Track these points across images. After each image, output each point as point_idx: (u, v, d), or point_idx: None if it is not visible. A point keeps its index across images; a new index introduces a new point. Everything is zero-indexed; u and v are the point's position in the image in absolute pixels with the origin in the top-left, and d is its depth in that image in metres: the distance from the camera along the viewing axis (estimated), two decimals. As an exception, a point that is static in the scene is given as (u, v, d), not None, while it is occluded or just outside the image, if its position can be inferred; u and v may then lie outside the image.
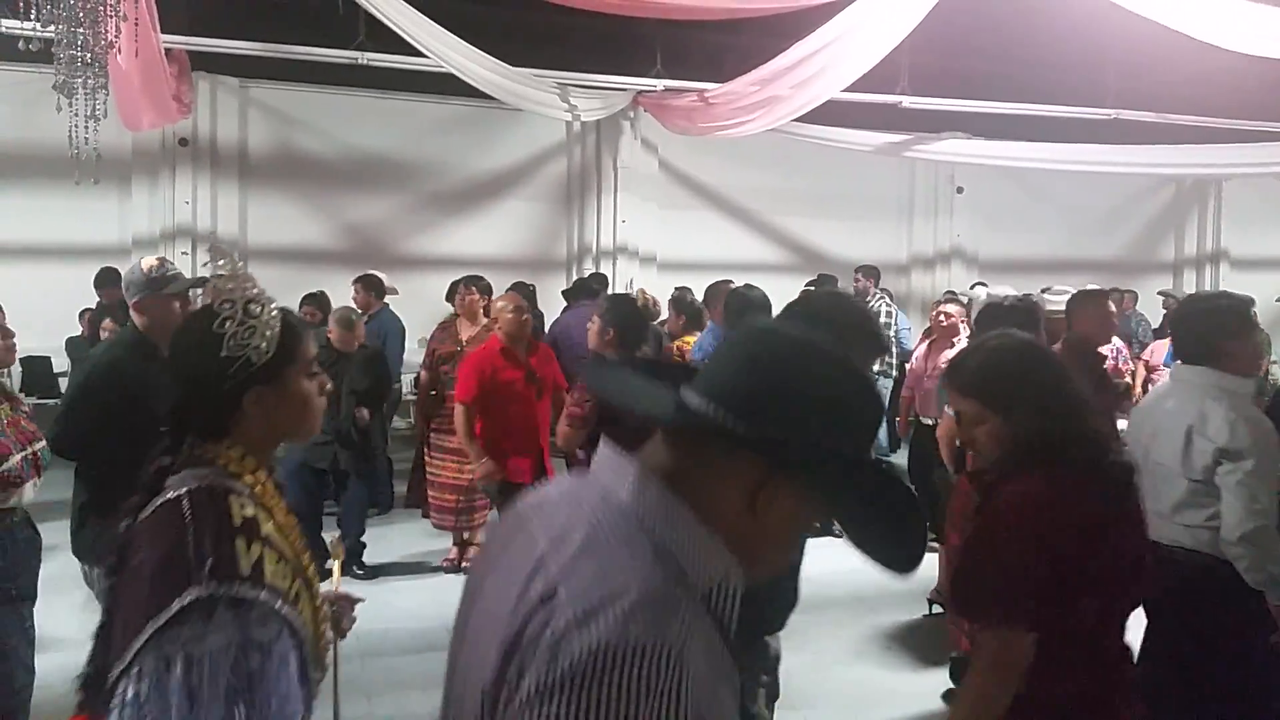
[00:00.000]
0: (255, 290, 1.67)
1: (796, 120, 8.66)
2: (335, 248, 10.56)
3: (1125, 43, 8.25)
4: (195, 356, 1.64)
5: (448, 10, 7.41)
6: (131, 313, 3.45)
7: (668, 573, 1.02)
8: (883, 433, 8.20)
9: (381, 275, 7.89)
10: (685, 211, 11.85)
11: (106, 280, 8.00)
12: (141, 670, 1.42)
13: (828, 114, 8.75)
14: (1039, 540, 1.95)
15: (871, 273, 9.19)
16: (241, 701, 1.43)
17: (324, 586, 1.80)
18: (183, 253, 10.11)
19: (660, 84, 9.24)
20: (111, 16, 4.25)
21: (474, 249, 10.52)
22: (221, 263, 1.69)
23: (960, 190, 12.76)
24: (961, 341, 6.54)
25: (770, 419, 1.07)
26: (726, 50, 9.53)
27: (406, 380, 8.61)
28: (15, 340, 3.09)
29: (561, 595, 1.00)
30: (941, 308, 6.72)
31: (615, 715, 0.92)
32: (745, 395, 1.09)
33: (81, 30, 4.12)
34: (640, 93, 9.43)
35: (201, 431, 1.64)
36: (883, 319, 8.35)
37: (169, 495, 1.54)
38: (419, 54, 7.69)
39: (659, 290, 8.52)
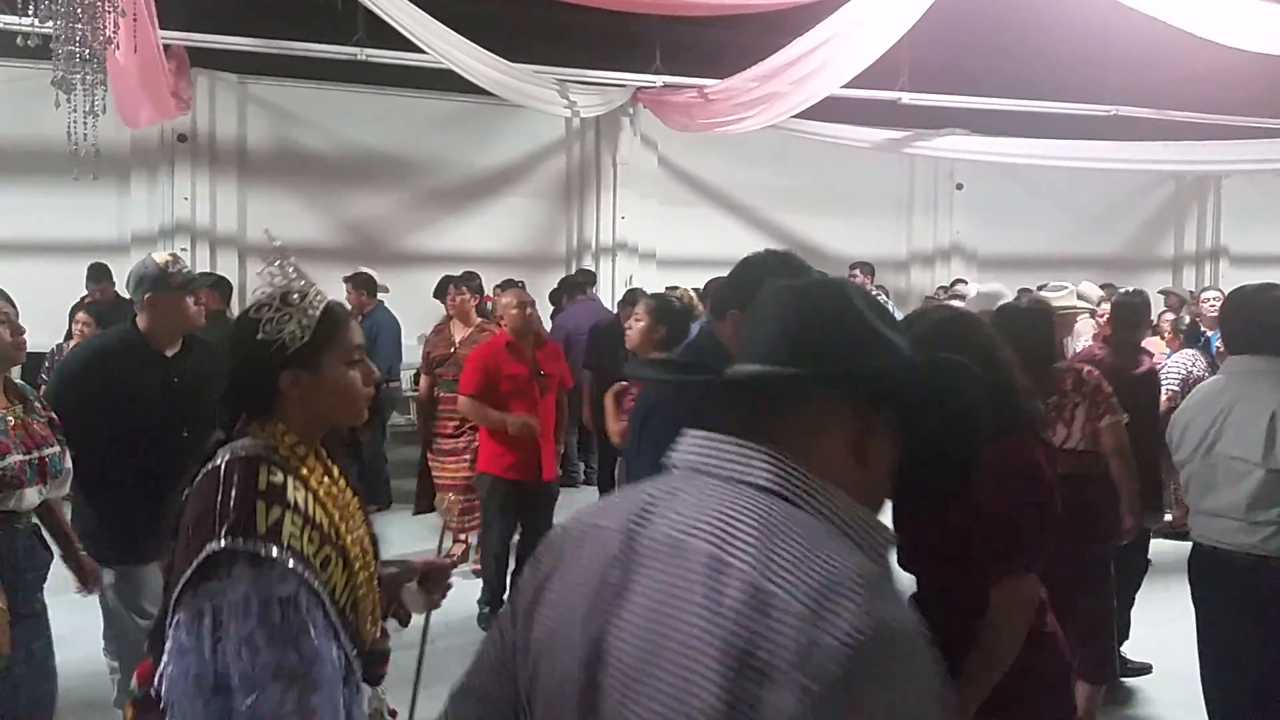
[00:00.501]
0: (301, 283, 1.80)
1: (796, 117, 8.66)
2: (335, 244, 10.54)
3: (1125, 39, 8.24)
4: (236, 339, 1.80)
5: (447, 6, 7.40)
6: (138, 306, 3.41)
7: (855, 548, 1.00)
8: None
9: (373, 273, 7.88)
10: (685, 208, 11.84)
11: (100, 276, 7.96)
12: (180, 620, 1.57)
13: (827, 110, 8.74)
14: (1022, 492, 2.16)
15: (868, 269, 9.18)
16: (268, 651, 1.52)
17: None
18: (182, 249, 10.09)
19: (660, 80, 9.23)
20: (110, 12, 4.25)
21: (473, 245, 10.51)
22: (278, 263, 1.82)
23: (960, 187, 12.75)
24: None
25: (834, 355, 1.08)
26: (726, 46, 9.51)
27: (406, 377, 8.61)
28: (25, 337, 3.06)
29: (780, 595, 0.91)
30: (941, 302, 6.74)
31: (898, 707, 0.87)
32: (801, 344, 1.10)
33: (80, 26, 4.12)
34: (640, 89, 9.42)
35: (250, 411, 1.78)
36: None
37: (210, 465, 1.69)
38: (418, 50, 7.68)
39: (654, 287, 8.52)
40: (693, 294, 5.86)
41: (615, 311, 7.83)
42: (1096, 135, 9.47)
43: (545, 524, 4.87)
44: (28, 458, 2.90)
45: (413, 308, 8.33)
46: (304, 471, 1.73)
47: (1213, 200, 14.02)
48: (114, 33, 4.41)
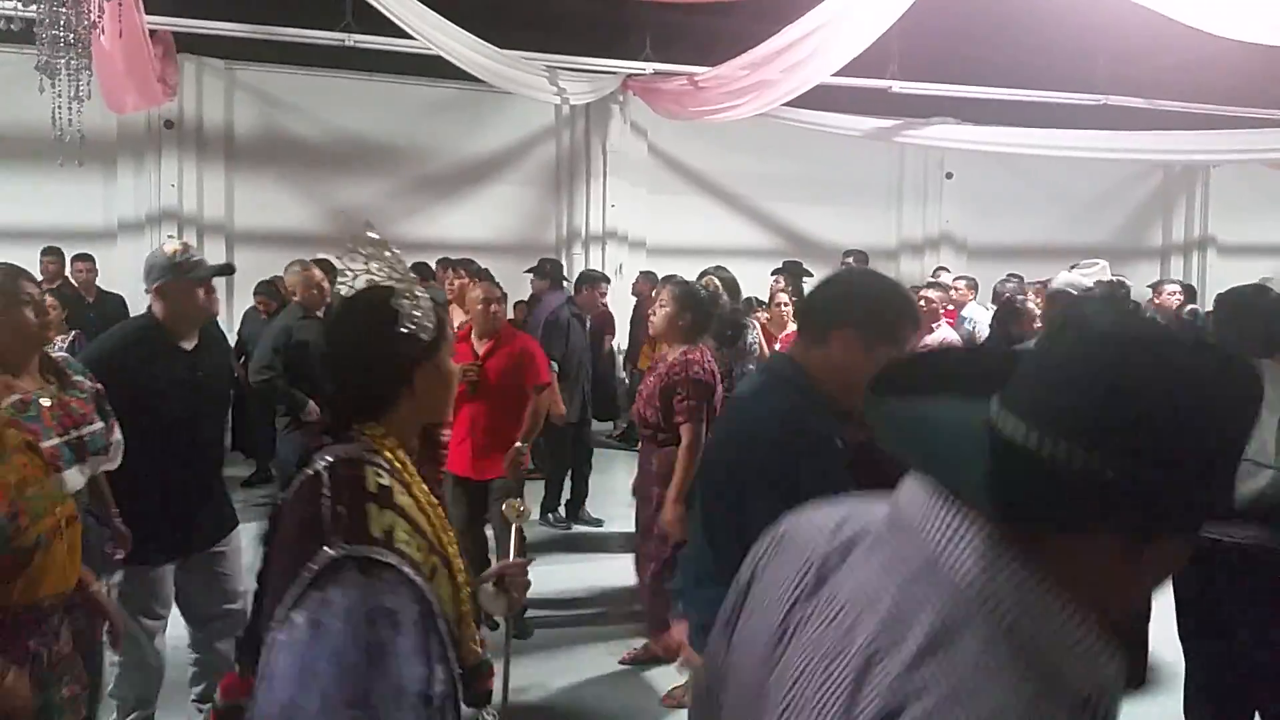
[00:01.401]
0: (405, 268, 1.73)
1: (786, 105, 8.64)
2: (322, 231, 10.49)
3: (1115, 29, 8.23)
4: (372, 336, 1.66)
5: (435, -8, 7.35)
6: (150, 297, 3.37)
7: (1037, 684, 0.82)
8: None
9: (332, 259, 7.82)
10: (675, 196, 11.83)
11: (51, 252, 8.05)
12: (280, 639, 1.45)
13: (817, 98, 8.73)
14: None
15: (861, 258, 9.18)
16: (369, 664, 1.42)
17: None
18: (169, 236, 10.04)
19: (650, 67, 9.20)
20: (94, -4, 4.21)
21: (462, 233, 10.49)
22: (375, 249, 1.73)
23: (950, 175, 12.77)
24: (942, 327, 6.58)
25: (1149, 463, 0.81)
26: (716, 34, 9.47)
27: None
28: (54, 317, 3.00)
29: (909, 716, 0.81)
30: (923, 293, 6.76)
31: None
32: (1115, 432, 0.82)
33: (64, 10, 4.08)
34: (629, 76, 9.39)
35: (362, 413, 1.66)
36: None
37: (312, 469, 1.58)
38: (407, 36, 7.63)
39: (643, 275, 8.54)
40: (719, 283, 5.72)
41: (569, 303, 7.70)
42: (1086, 124, 9.48)
43: (479, 526, 4.83)
44: (64, 439, 2.80)
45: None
46: (406, 476, 1.64)
47: (1201, 189, 14.08)
48: (98, 17, 4.37)
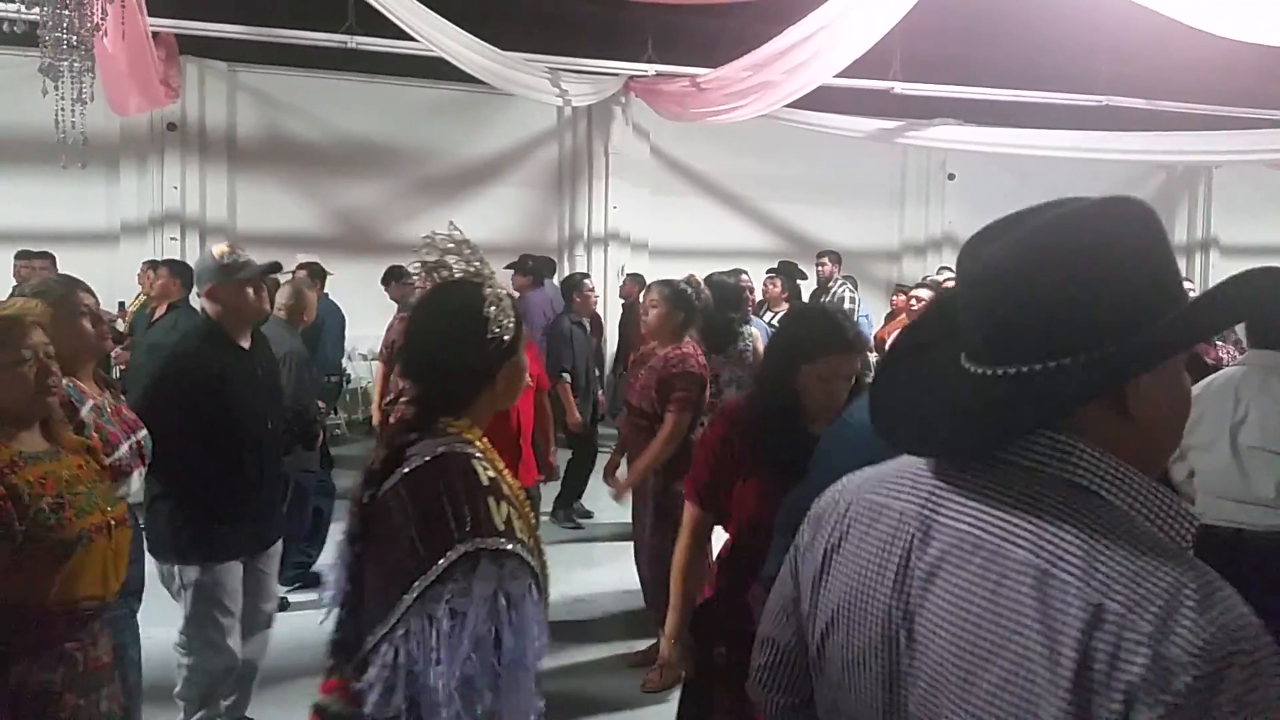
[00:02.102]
0: (487, 271, 1.78)
1: (788, 106, 8.64)
2: (325, 233, 10.52)
3: (1117, 29, 8.24)
4: (463, 338, 1.71)
5: (438, -6, 7.36)
6: (203, 300, 3.43)
7: (1170, 538, 0.97)
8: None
9: (318, 260, 7.80)
10: (677, 198, 11.84)
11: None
12: (408, 631, 1.47)
13: (820, 100, 8.73)
14: None
15: (835, 258, 9.06)
16: (514, 650, 1.48)
17: None
18: (171, 238, 10.07)
19: (652, 69, 9.20)
20: (97, -1, 4.22)
21: (464, 235, 10.48)
22: (455, 247, 1.79)
23: (952, 177, 12.77)
24: None
25: (1083, 335, 0.98)
26: (719, 35, 9.48)
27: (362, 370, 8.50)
28: (108, 327, 3.06)
29: (1121, 612, 0.89)
30: (914, 293, 6.82)
31: (1253, 708, 0.85)
32: (1074, 324, 0.99)
33: (67, 13, 4.09)
34: (632, 78, 9.39)
35: (449, 409, 1.71)
36: (846, 305, 8.37)
37: (415, 463, 1.60)
38: (409, 38, 7.64)
39: (646, 277, 8.51)
40: (699, 281, 5.72)
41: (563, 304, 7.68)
42: (1088, 125, 9.48)
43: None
44: (130, 443, 2.88)
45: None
46: (496, 463, 1.69)
47: (1203, 190, 14.07)
48: (102, 20, 4.38)
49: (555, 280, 9.05)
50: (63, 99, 4.34)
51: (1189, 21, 6.40)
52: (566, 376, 6.53)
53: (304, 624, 3.56)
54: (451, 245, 1.79)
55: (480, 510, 1.53)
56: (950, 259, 12.64)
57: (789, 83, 8.01)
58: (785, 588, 1.27)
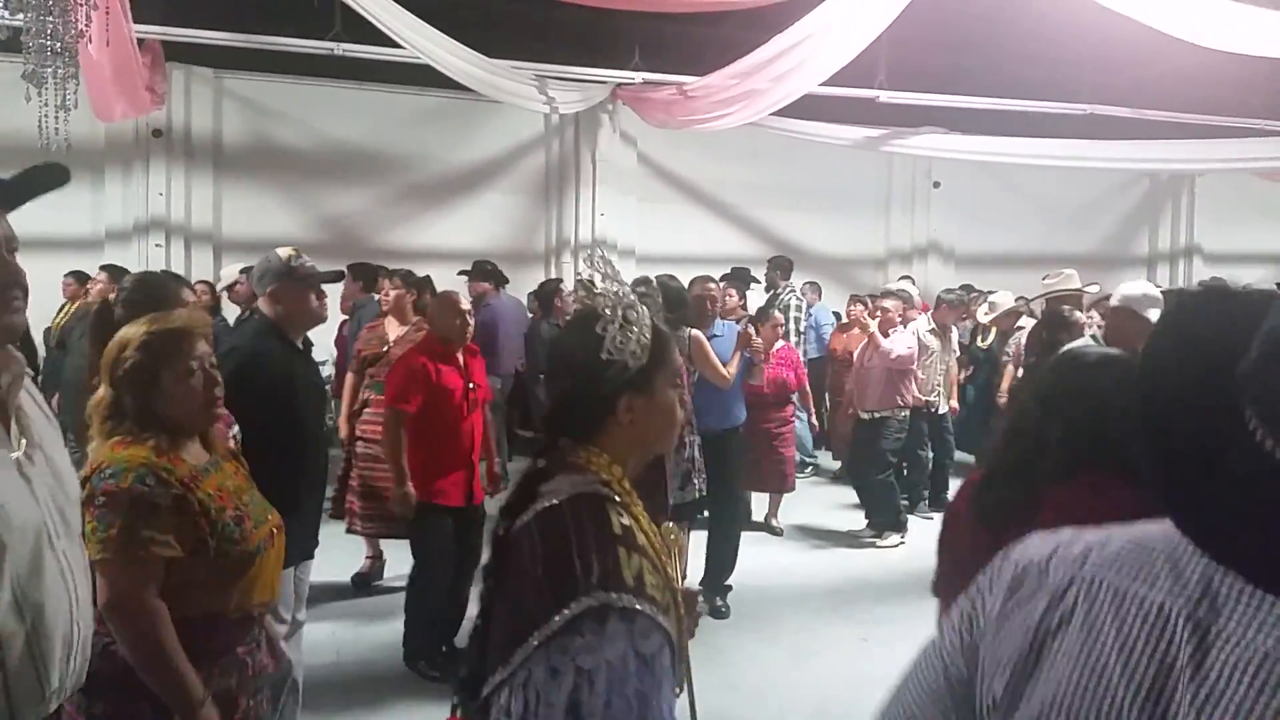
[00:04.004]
0: (631, 296, 1.67)
1: (775, 114, 8.67)
2: (311, 240, 10.47)
3: (1101, 39, 8.30)
4: (577, 358, 1.63)
5: (424, 1, 7.36)
6: (264, 302, 3.42)
7: None
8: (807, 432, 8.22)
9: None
10: (664, 205, 11.85)
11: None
12: (529, 681, 1.39)
13: (806, 108, 8.77)
14: None
15: (781, 264, 8.94)
16: (638, 711, 1.38)
17: None
18: (156, 245, 10.03)
19: (639, 77, 9.22)
20: (81, 4, 4.20)
21: (451, 242, 10.48)
22: (599, 268, 1.71)
23: (937, 185, 12.83)
24: (902, 333, 6.67)
25: None
26: (705, 43, 9.52)
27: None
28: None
29: None
30: (881, 302, 6.87)
31: None
32: None
33: (51, 19, 4.07)
34: (619, 85, 9.41)
35: (574, 434, 1.62)
36: (793, 313, 8.37)
37: (549, 502, 1.52)
38: (395, 45, 7.64)
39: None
40: (651, 280, 5.68)
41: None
42: (1072, 134, 9.55)
43: (477, 552, 4.43)
44: (233, 433, 2.88)
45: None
46: (634, 508, 1.59)
47: (1186, 198, 14.18)
48: (86, 26, 4.35)
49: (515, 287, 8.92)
50: (47, 105, 4.31)
51: (1172, 32, 6.46)
52: (543, 379, 6.59)
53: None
54: (599, 271, 1.72)
55: (609, 561, 1.44)
56: (936, 267, 12.71)
57: (775, 91, 8.04)
58: (949, 661, 1.07)
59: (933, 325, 7.39)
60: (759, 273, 8.82)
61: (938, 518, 7.89)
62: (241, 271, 7.32)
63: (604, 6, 7.48)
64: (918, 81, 9.45)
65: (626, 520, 1.52)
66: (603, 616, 1.39)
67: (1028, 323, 7.99)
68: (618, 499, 1.55)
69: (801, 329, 8.66)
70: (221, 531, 2.09)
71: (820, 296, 9.75)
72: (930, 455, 7.28)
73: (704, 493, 4.92)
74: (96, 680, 1.83)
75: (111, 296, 2.97)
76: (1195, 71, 8.60)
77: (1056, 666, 0.93)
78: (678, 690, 1.58)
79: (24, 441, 1.59)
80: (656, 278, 5.40)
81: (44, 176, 1.71)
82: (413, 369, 4.40)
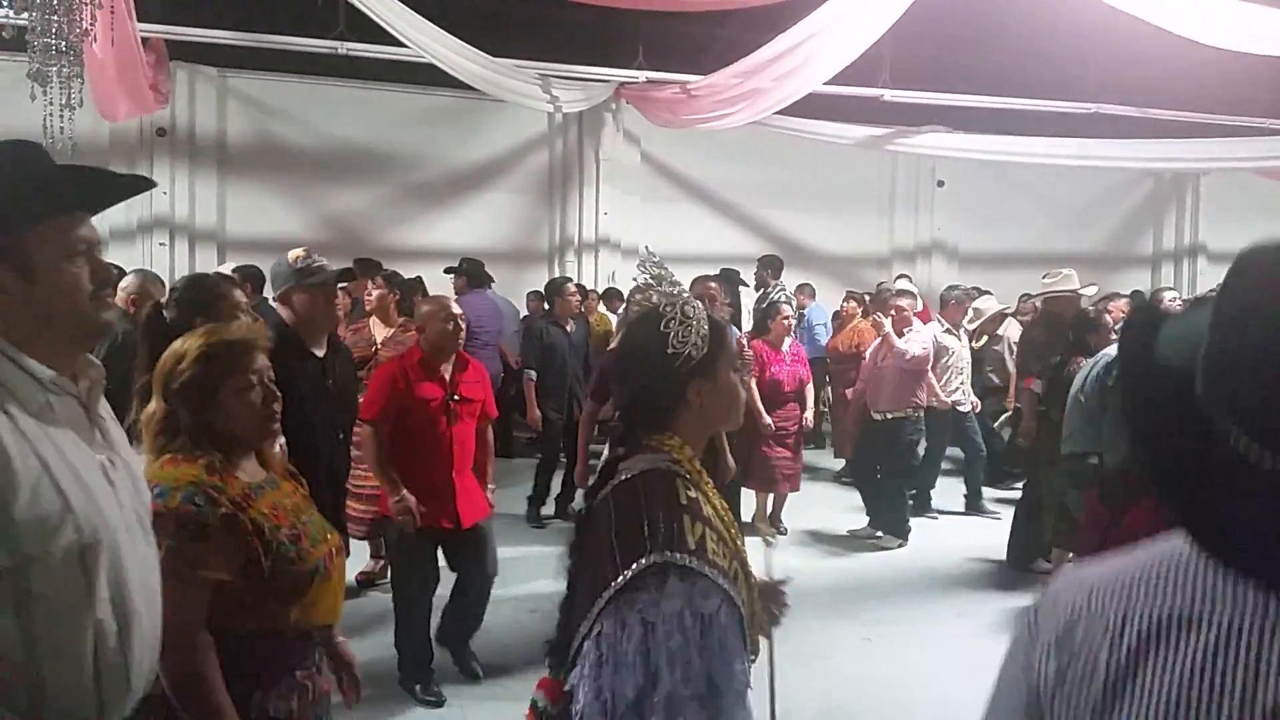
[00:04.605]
0: (686, 293, 1.84)
1: (779, 113, 8.67)
2: (315, 239, 10.47)
3: (1105, 37, 8.28)
4: (645, 356, 1.78)
5: (428, 0, 7.36)
6: (276, 305, 3.40)
7: None
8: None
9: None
10: (667, 204, 11.85)
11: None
12: (600, 633, 1.53)
13: (810, 107, 8.76)
14: None
15: (771, 263, 8.91)
16: (699, 667, 1.49)
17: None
18: (160, 244, 10.04)
19: (643, 76, 9.22)
20: (86, 4, 4.22)
21: (455, 241, 10.48)
22: (653, 268, 1.86)
23: (941, 184, 12.82)
24: (918, 332, 6.65)
25: None
26: (709, 42, 9.52)
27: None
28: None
29: None
30: (895, 301, 6.85)
31: None
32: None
33: (56, 18, 4.08)
34: (623, 84, 9.41)
35: (648, 425, 1.77)
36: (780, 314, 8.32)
37: (624, 477, 1.69)
38: (399, 44, 7.64)
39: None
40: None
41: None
42: (1077, 132, 9.54)
43: (479, 573, 4.24)
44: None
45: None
46: (703, 484, 1.74)
47: (1191, 197, 14.15)
48: (91, 25, 4.37)
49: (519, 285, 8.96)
50: (51, 104, 4.32)
51: (1177, 30, 6.45)
52: (532, 374, 6.77)
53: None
54: (653, 273, 1.87)
55: (674, 525, 1.58)
56: (939, 265, 12.69)
57: (779, 89, 8.04)
58: (1031, 689, 1.01)
59: (947, 325, 7.37)
60: (749, 274, 8.82)
61: (943, 519, 7.81)
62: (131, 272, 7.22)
63: (608, 5, 7.48)
64: (922, 80, 9.44)
65: (693, 494, 1.67)
66: (664, 574, 1.53)
67: (1011, 324, 8.02)
68: (686, 475, 1.71)
69: (792, 329, 8.62)
70: (277, 551, 2.03)
71: (814, 298, 9.72)
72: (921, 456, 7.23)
73: None
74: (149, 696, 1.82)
75: (163, 299, 2.94)
76: (1200, 70, 8.58)
77: (1139, 711, 0.91)
78: (751, 656, 1.70)
79: (106, 445, 1.62)
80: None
81: (129, 181, 1.74)
82: (381, 378, 4.14)
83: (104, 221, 9.89)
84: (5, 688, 1.42)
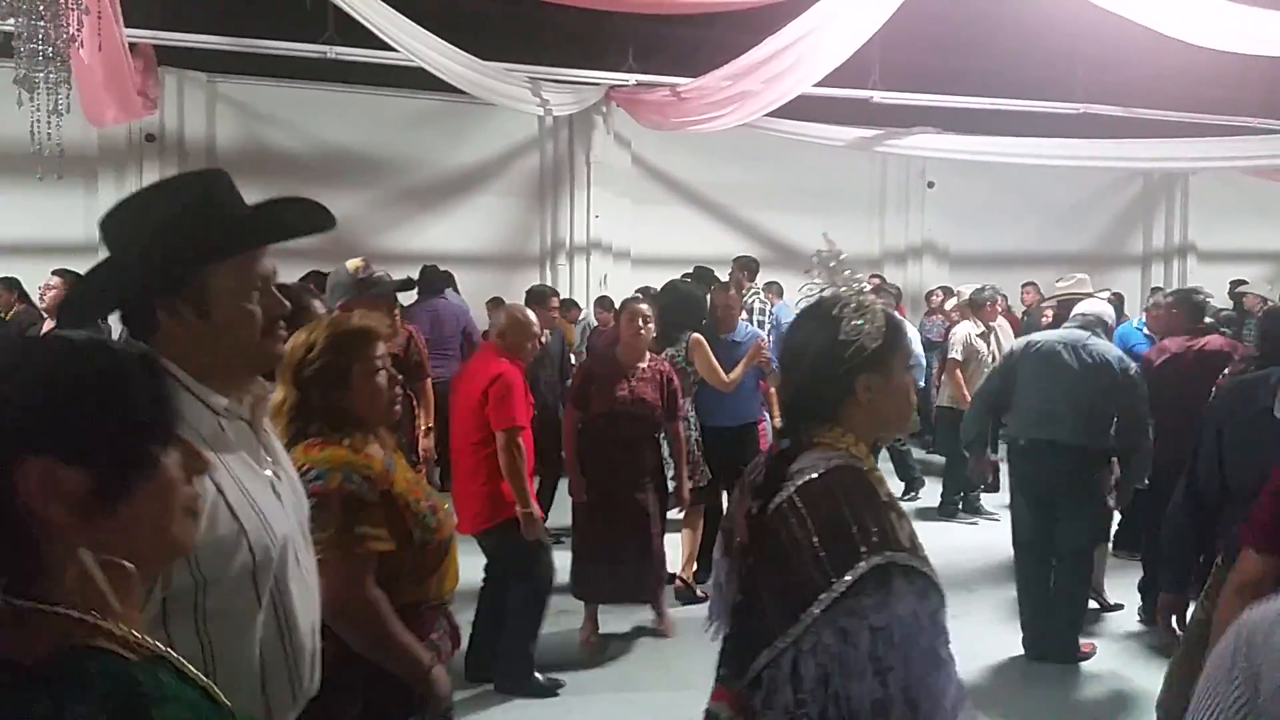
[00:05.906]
0: (865, 284, 1.77)
1: (768, 115, 8.67)
2: (306, 244, 10.24)
3: (1094, 38, 8.31)
4: (815, 342, 1.71)
5: (417, 3, 7.35)
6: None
7: None
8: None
9: None
10: (658, 207, 11.84)
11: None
12: (817, 646, 1.44)
13: (799, 109, 8.77)
14: None
15: (748, 264, 8.81)
16: (948, 666, 1.45)
17: None
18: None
19: (633, 78, 9.22)
20: (73, 9, 4.19)
21: (446, 245, 10.46)
22: (832, 261, 1.78)
23: (931, 185, 12.83)
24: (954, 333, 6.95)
25: None
26: (699, 45, 9.52)
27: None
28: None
29: None
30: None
31: None
32: None
33: (42, 23, 4.06)
34: (613, 87, 9.41)
35: (816, 417, 1.69)
36: (756, 315, 8.30)
37: (809, 476, 1.58)
38: (388, 48, 7.62)
39: (629, 285, 8.48)
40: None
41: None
42: (1066, 133, 9.55)
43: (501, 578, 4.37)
44: None
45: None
46: (875, 474, 1.68)
47: (1180, 197, 14.19)
48: (78, 30, 4.34)
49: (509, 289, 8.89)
50: (39, 110, 4.30)
51: (1165, 30, 6.47)
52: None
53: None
54: (828, 265, 1.78)
55: (886, 524, 1.51)
56: (930, 267, 12.71)
57: (769, 92, 8.05)
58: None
59: (981, 328, 7.35)
60: (723, 273, 8.78)
61: (944, 519, 7.87)
62: (55, 274, 7.10)
63: (597, 8, 7.48)
64: (911, 81, 9.46)
65: (885, 488, 1.61)
66: (886, 576, 1.45)
67: (1003, 322, 7.96)
68: (871, 470, 1.63)
69: (766, 330, 8.59)
70: (422, 523, 2.14)
71: (781, 296, 9.66)
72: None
73: (702, 486, 5.30)
74: None
75: None
76: (1189, 70, 8.61)
77: None
78: None
79: (271, 459, 1.66)
80: (674, 281, 5.59)
81: (318, 220, 1.74)
82: (518, 387, 4.20)
83: (92, 228, 9.71)
84: None
